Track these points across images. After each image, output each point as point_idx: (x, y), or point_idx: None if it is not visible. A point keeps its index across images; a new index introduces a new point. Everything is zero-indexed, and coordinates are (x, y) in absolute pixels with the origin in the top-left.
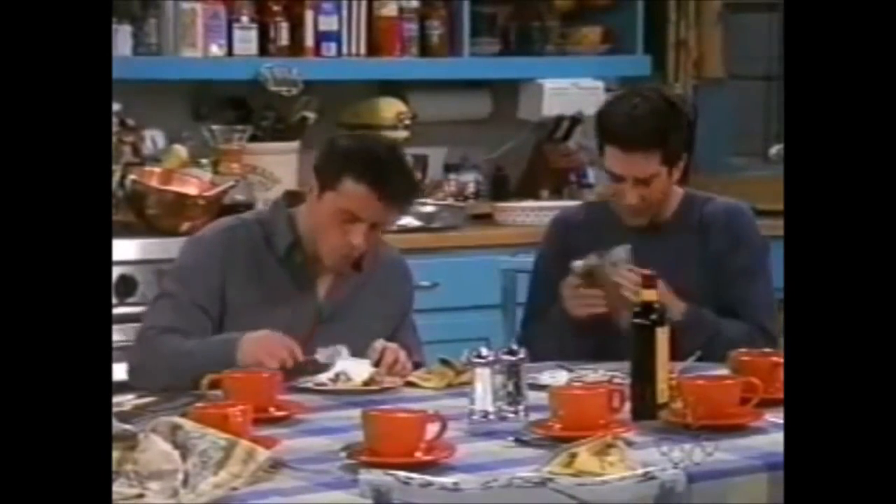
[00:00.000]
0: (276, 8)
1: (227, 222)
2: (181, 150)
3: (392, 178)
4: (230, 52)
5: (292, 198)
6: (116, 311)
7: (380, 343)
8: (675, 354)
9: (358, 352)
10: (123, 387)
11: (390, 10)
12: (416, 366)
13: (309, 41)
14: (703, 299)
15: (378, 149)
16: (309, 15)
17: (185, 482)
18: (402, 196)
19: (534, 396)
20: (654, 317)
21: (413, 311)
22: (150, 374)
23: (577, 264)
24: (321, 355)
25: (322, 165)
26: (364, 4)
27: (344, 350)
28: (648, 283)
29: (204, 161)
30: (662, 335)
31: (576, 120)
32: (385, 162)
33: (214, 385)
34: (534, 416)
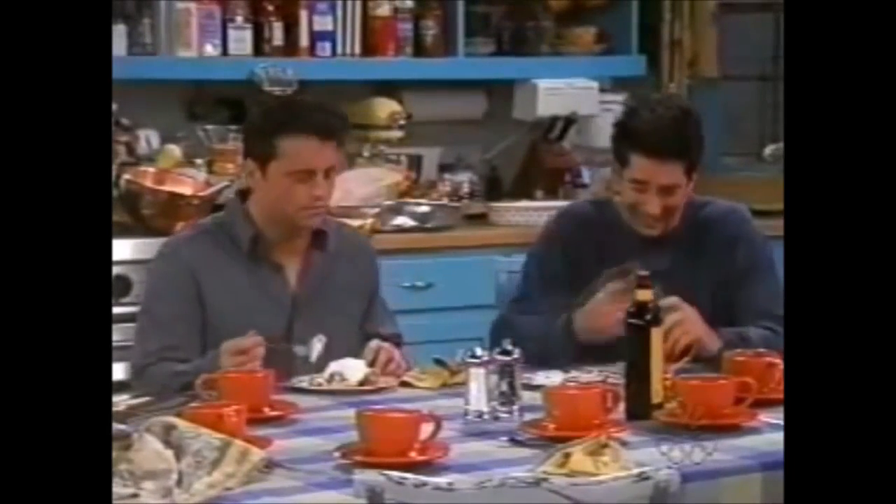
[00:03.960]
0: (270, 8)
1: (188, 232)
2: (175, 150)
3: (322, 118)
4: (225, 52)
5: (244, 194)
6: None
7: (375, 343)
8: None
9: (339, 328)
10: (119, 387)
11: (385, 10)
12: (395, 338)
13: (303, 41)
14: (707, 303)
15: (292, 99)
16: (303, 15)
17: (179, 482)
18: (339, 131)
19: (528, 396)
20: (648, 317)
21: (380, 285)
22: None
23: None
24: (299, 349)
25: (251, 144)
26: (359, 4)
27: (321, 340)
28: (643, 283)
29: (198, 161)
30: (657, 335)
31: (570, 120)
32: (306, 106)
33: (209, 385)
34: (528, 416)
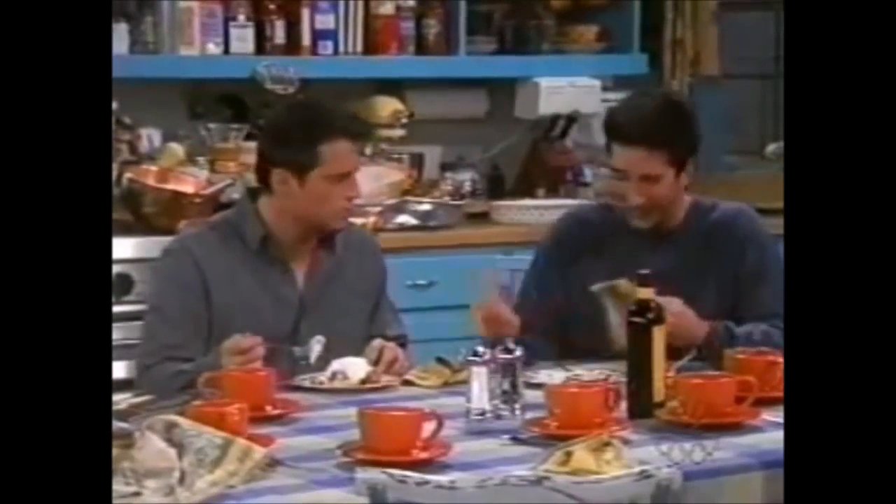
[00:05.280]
0: (272, 6)
1: (197, 230)
2: (177, 149)
3: (352, 122)
4: (227, 51)
5: (255, 193)
6: (113, 309)
7: (378, 342)
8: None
9: (345, 329)
10: (121, 385)
11: (387, 8)
12: (400, 339)
13: (305, 39)
14: (714, 304)
15: (319, 105)
16: (305, 13)
17: (181, 480)
18: (366, 133)
19: (530, 395)
20: (650, 315)
21: (387, 285)
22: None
23: (603, 285)
24: (297, 351)
25: (287, 154)
26: (361, 3)
27: (319, 342)
28: (644, 281)
29: (200, 159)
30: (659, 334)
31: (572, 118)
32: (336, 111)
33: (211, 384)
34: (530, 415)
